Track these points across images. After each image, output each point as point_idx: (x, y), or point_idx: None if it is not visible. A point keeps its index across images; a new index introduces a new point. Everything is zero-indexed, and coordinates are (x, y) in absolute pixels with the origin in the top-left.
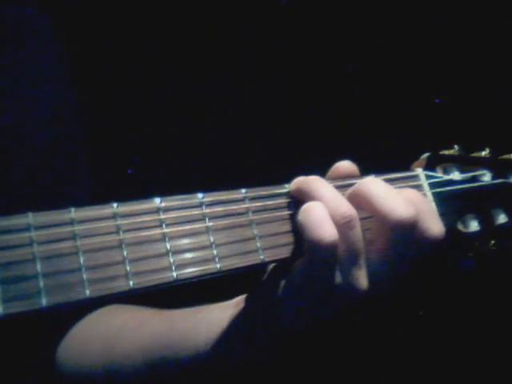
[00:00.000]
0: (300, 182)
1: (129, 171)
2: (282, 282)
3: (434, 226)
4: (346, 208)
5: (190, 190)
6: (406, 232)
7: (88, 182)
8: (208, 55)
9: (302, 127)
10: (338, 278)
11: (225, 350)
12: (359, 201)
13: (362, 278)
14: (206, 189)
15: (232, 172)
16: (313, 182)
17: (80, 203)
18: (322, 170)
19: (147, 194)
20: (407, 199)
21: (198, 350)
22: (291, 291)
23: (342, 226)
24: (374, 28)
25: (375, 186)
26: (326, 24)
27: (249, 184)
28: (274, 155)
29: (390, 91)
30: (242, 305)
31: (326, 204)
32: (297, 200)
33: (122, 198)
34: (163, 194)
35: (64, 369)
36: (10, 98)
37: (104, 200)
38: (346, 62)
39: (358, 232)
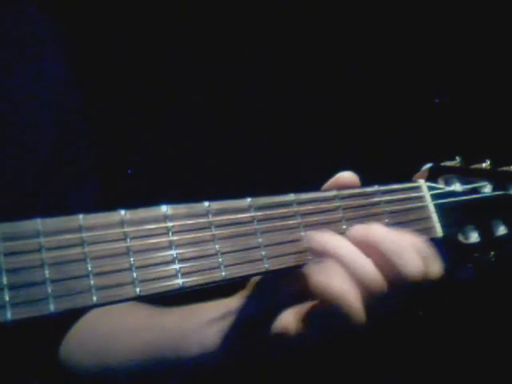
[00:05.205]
0: (315, 240)
1: (129, 171)
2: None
3: (436, 270)
4: (374, 278)
5: (190, 190)
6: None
7: (89, 181)
8: (208, 55)
9: (302, 128)
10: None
11: (219, 360)
12: (367, 249)
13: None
14: (206, 189)
15: (232, 172)
16: (329, 241)
17: (80, 203)
18: (323, 173)
19: (147, 195)
20: (417, 251)
21: (191, 359)
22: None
23: (368, 292)
24: (375, 28)
25: (384, 239)
26: (326, 24)
27: (247, 183)
28: (274, 156)
29: (391, 92)
30: (233, 317)
31: (347, 266)
32: (303, 212)
33: (123, 198)
34: (163, 194)
35: (65, 367)
36: (12, 99)
37: (104, 200)
38: (346, 62)
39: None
